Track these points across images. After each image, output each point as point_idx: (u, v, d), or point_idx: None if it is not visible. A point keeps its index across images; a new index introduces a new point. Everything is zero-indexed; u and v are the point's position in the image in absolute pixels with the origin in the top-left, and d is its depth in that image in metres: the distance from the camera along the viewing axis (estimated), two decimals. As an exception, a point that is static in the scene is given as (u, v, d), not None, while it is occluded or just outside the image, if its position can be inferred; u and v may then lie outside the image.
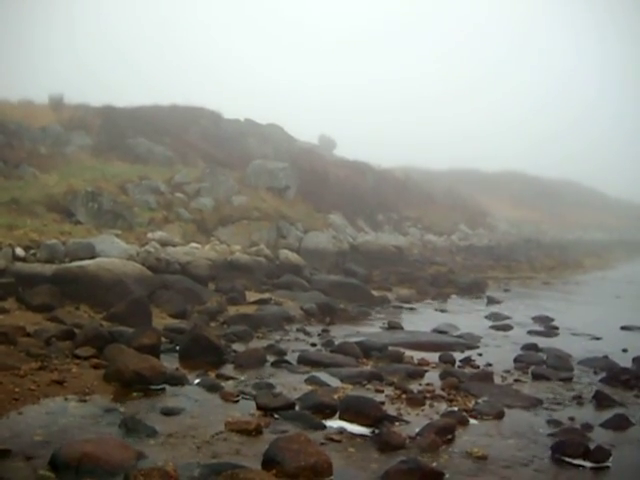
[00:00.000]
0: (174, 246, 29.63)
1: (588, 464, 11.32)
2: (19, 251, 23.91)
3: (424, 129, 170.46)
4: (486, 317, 28.15)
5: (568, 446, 11.66)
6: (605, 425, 13.56)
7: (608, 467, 11.36)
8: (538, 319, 28.09)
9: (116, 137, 42.76)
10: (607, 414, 14.16)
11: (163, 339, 17.78)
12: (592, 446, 11.76)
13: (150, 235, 30.24)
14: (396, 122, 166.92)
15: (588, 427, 13.31)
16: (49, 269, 22.61)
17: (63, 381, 13.52)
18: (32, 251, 24.52)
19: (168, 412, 12.55)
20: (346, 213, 47.93)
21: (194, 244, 31.37)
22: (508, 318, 27.89)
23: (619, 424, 13.62)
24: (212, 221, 36.33)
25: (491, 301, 33.76)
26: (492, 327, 25.70)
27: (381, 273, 38.76)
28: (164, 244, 28.95)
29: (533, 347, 21.08)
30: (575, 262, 61.41)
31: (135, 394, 13.50)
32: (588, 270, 57.64)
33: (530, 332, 24.92)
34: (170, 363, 15.86)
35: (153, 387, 13.96)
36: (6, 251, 23.50)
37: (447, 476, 10.29)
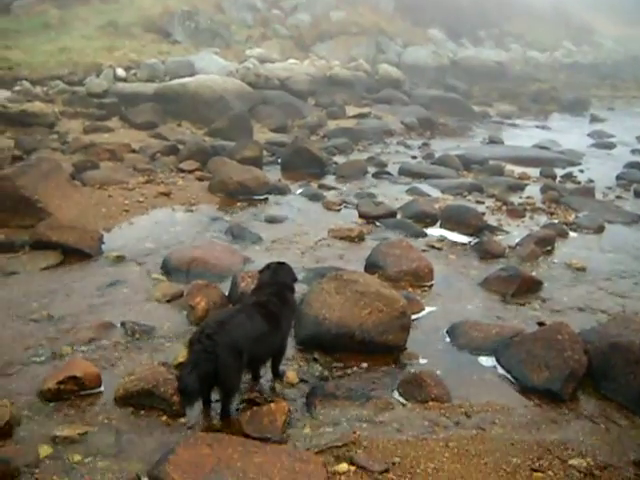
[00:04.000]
0: (272, 62, 29.40)
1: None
2: (120, 72, 24.18)
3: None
4: (588, 135, 27.29)
5: (668, 263, 11.56)
6: None
7: None
8: (643, 139, 27.16)
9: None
10: None
11: (265, 152, 17.98)
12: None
13: (248, 52, 30.07)
14: None
15: (690, 246, 13.08)
16: (150, 88, 22.87)
17: (169, 193, 13.91)
18: (132, 71, 24.75)
19: (272, 220, 12.84)
20: (446, 28, 46.44)
21: (292, 60, 31.04)
22: (611, 136, 26.96)
23: None
24: (310, 37, 35.81)
25: (594, 119, 32.65)
26: (594, 145, 24.96)
27: (482, 89, 37.83)
28: (262, 61, 28.75)
29: (636, 165, 20.37)
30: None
31: (239, 204, 13.84)
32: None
33: (634, 151, 24.04)
34: (272, 175, 16.08)
35: (257, 197, 14.27)
36: (107, 72, 23.80)
37: (546, 285, 10.31)
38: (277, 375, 6.97)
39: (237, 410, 6.33)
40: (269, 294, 6.75)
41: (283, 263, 7.30)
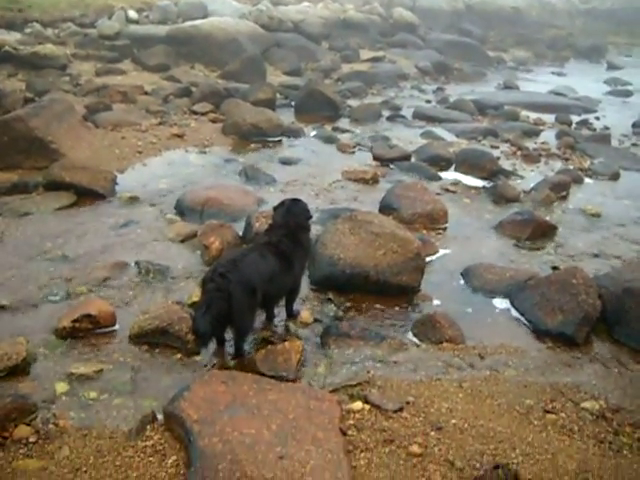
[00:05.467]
0: (286, 5, 29.11)
1: None
2: (132, 14, 23.98)
3: None
4: (605, 82, 27.02)
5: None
6: None
7: None
8: (661, 86, 26.83)
9: None
10: None
11: (278, 95, 17.85)
12: None
13: (261, -6, 29.71)
14: None
15: None
16: (162, 30, 22.66)
17: (183, 135, 13.86)
18: (145, 13, 24.58)
19: (286, 162, 12.81)
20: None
21: (306, 3, 30.68)
22: (629, 84, 26.66)
23: None
24: (324, -21, 35.30)
25: (611, 66, 32.29)
26: (611, 92, 24.72)
27: (497, 34, 37.38)
28: (276, 3, 28.46)
29: (654, 113, 20.30)
30: None
31: (253, 145, 13.79)
32: None
33: (651, 99, 23.93)
34: (286, 117, 15.97)
35: (270, 139, 14.20)
36: (119, 14, 23.60)
37: (560, 230, 10.28)
38: (291, 315, 7.00)
39: (251, 349, 6.35)
40: (282, 234, 6.71)
41: (298, 200, 7.22)
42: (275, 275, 6.36)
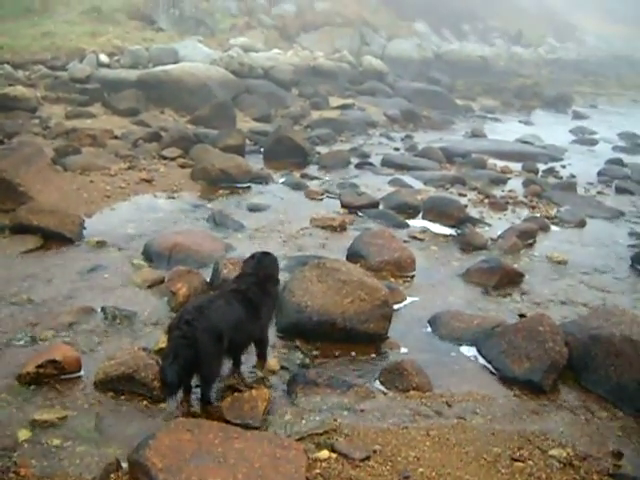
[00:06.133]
0: (256, 52, 29.37)
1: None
2: (103, 57, 24.09)
3: None
4: (571, 131, 27.50)
5: (648, 257, 11.65)
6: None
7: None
8: (624, 136, 27.23)
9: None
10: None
11: (247, 141, 17.93)
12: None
13: (232, 41, 30.03)
14: None
15: (671, 239, 13.21)
16: (133, 74, 22.78)
17: (151, 180, 13.86)
18: (116, 57, 24.68)
19: (254, 208, 12.81)
20: (431, 21, 46.63)
21: (276, 50, 31.03)
22: (594, 133, 27.22)
23: None
24: (294, 27, 35.81)
25: (577, 116, 32.89)
26: (577, 141, 25.18)
27: (465, 83, 38.00)
28: (246, 50, 28.70)
29: (618, 162, 20.60)
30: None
31: (221, 191, 13.80)
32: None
33: (615, 148, 24.30)
34: (255, 163, 16.01)
35: (239, 185, 14.22)
36: (90, 57, 23.69)
37: (527, 277, 10.35)
38: (262, 363, 6.93)
39: (217, 397, 6.30)
40: (250, 282, 6.70)
41: (268, 253, 7.23)
42: (241, 323, 6.33)
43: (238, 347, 6.58)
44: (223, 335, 6.03)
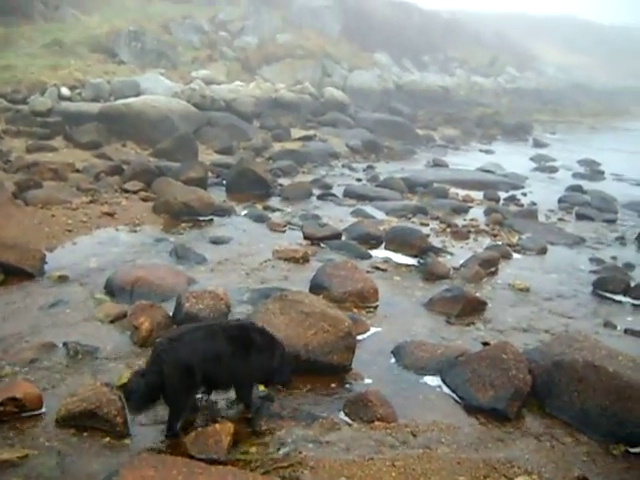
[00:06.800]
0: (218, 84, 29.46)
1: (628, 300, 11.48)
2: (65, 91, 23.98)
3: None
4: (531, 159, 28.00)
5: (609, 282, 11.81)
6: (647, 265, 13.65)
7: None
8: (584, 163, 27.86)
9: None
10: (649, 255, 14.26)
11: (209, 174, 17.96)
12: (633, 284, 11.89)
13: (194, 74, 30.08)
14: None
15: (630, 266, 13.43)
16: (95, 107, 22.71)
17: (113, 213, 13.77)
18: (77, 90, 24.59)
19: (217, 241, 12.77)
20: (391, 53, 47.09)
21: (238, 82, 31.15)
22: (553, 160, 27.78)
23: (661, 264, 13.69)
24: (256, 59, 35.96)
25: (537, 144, 33.47)
26: (537, 169, 25.65)
27: (426, 113, 38.39)
28: (208, 82, 28.78)
29: (578, 189, 21.03)
30: (625, 110, 60.04)
31: (184, 224, 13.76)
32: (638, 118, 56.28)
33: (575, 175, 24.81)
34: (217, 196, 16.01)
35: (201, 218, 14.19)
36: (52, 91, 23.59)
37: (490, 305, 10.46)
38: (247, 407, 6.76)
39: (180, 431, 6.25)
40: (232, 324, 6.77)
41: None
42: (222, 359, 6.31)
43: (214, 382, 6.52)
44: (194, 369, 6.00)
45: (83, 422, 6.20)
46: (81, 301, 9.41)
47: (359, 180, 20.38)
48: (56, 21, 32.20)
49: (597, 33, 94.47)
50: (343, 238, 13.45)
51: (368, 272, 11.40)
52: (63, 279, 10.18)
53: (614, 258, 13.89)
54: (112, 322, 8.72)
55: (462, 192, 19.24)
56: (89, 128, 21.10)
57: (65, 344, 7.86)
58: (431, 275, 11.68)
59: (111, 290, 9.76)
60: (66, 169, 16.83)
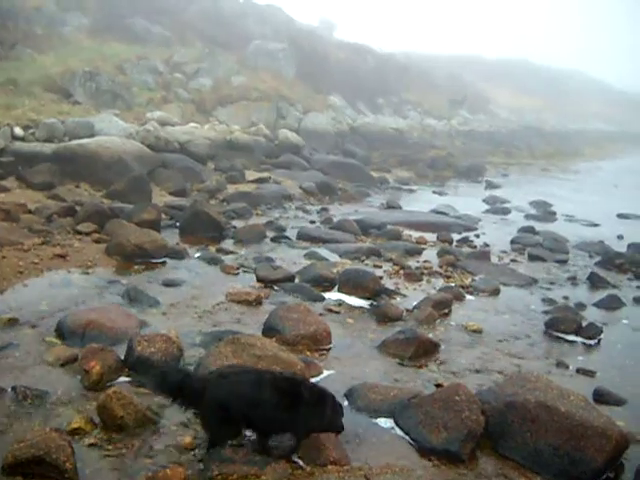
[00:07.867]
0: (173, 126, 29.40)
1: (580, 339, 11.68)
2: (18, 130, 23.72)
3: (426, 13, 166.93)
4: (484, 200, 28.40)
5: (561, 322, 12.00)
6: (598, 305, 13.92)
7: (599, 343, 11.68)
8: (536, 204, 28.38)
9: (113, 17, 41.39)
10: (600, 295, 14.53)
11: (163, 215, 17.87)
12: (585, 323, 12.11)
13: (149, 115, 29.99)
14: (398, 5, 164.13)
15: (581, 306, 13.66)
16: (48, 148, 22.50)
17: (66, 255, 13.63)
18: (31, 130, 24.33)
19: (169, 284, 12.69)
20: (346, 95, 47.47)
21: (193, 124, 31.13)
22: (506, 202, 28.21)
23: (611, 304, 13.99)
24: (211, 101, 36.02)
25: (490, 185, 33.99)
26: (490, 210, 26.00)
27: (380, 155, 38.72)
28: (163, 124, 28.70)
29: (530, 230, 21.38)
30: (575, 151, 61.36)
31: (137, 267, 13.66)
32: (588, 159, 57.62)
33: (527, 216, 25.25)
34: (171, 238, 15.96)
35: (154, 260, 14.10)
36: (4, 130, 23.32)
37: (443, 347, 10.54)
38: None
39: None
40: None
41: None
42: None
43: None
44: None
45: (30, 469, 6.06)
46: (31, 344, 9.26)
47: (313, 222, 20.44)
48: (11, 60, 31.96)
49: (546, 76, 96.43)
50: (296, 281, 13.46)
51: (321, 315, 11.42)
52: (13, 322, 10.00)
53: (566, 298, 14.10)
54: (62, 366, 8.60)
55: (415, 234, 19.38)
56: (42, 168, 20.89)
57: (14, 388, 7.73)
58: (384, 317, 11.74)
59: (62, 333, 9.62)
60: (18, 210, 16.62)
